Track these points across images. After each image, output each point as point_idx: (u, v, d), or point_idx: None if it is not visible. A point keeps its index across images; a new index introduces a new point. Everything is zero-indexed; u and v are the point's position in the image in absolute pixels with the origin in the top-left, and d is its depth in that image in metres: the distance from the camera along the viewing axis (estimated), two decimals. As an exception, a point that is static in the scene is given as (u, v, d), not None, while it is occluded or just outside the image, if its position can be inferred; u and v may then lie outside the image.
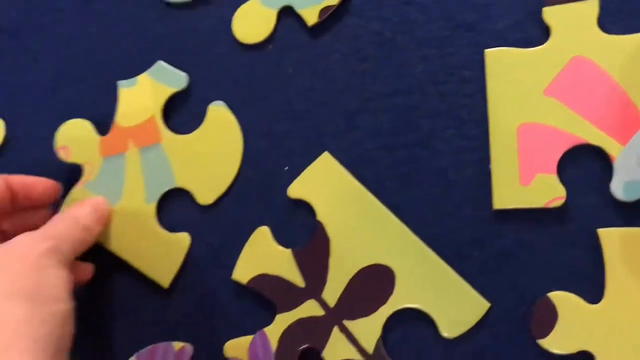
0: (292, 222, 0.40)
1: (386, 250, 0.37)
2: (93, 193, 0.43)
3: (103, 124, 0.45)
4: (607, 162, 0.35)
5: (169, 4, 0.46)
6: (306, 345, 0.38)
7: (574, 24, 0.37)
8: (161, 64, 0.44)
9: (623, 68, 0.35)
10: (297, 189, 0.40)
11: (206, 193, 0.42)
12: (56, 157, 0.46)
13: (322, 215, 0.39)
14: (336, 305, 0.38)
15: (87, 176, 0.44)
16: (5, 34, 0.51)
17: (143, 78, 0.44)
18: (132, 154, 0.44)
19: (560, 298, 0.34)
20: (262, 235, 0.40)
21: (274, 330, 0.38)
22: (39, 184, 0.42)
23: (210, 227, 0.42)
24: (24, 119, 0.48)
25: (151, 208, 0.43)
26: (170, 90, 0.44)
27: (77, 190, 0.44)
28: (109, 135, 0.44)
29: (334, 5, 0.41)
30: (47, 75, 0.48)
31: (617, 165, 0.35)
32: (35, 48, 0.49)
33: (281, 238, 0.40)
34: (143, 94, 0.44)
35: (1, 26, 0.51)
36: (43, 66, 0.49)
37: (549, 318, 0.34)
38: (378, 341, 0.36)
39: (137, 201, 0.43)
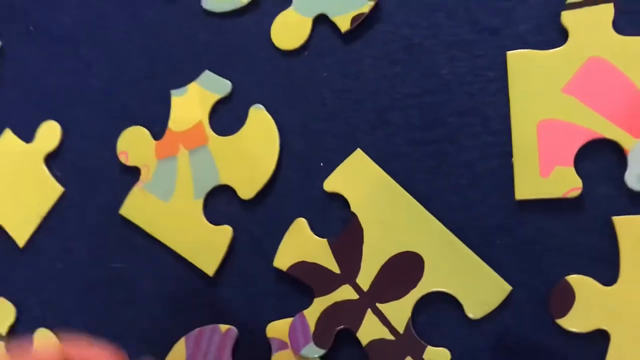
0: (327, 213, 0.43)
1: (415, 238, 0.40)
2: (150, 192, 0.48)
3: (152, 127, 0.50)
4: (621, 154, 0.37)
5: (212, 14, 0.49)
6: (342, 326, 0.41)
7: (590, 27, 0.39)
8: (208, 73, 0.48)
9: (636, 66, 0.38)
10: (332, 183, 0.43)
11: (247, 188, 0.46)
12: (108, 158, 0.50)
13: (355, 207, 0.42)
14: (369, 289, 0.41)
15: (144, 177, 0.48)
16: (62, 43, 0.55)
17: (192, 86, 0.48)
18: (183, 155, 0.47)
19: (578, 281, 0.37)
20: (300, 226, 0.43)
21: (312, 313, 0.42)
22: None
23: (252, 219, 0.45)
24: (79, 123, 0.53)
25: (199, 204, 0.46)
26: (216, 96, 0.48)
27: (135, 190, 0.48)
28: (162, 140, 0.49)
29: (365, 13, 0.44)
30: (100, 82, 0.53)
31: (631, 157, 0.37)
32: (89, 56, 0.54)
33: (318, 228, 0.43)
34: (192, 101, 0.48)
35: (58, 36, 0.55)
36: (96, 73, 0.53)
37: (567, 299, 0.36)
38: (408, 322, 0.39)
39: (187, 198, 0.47)
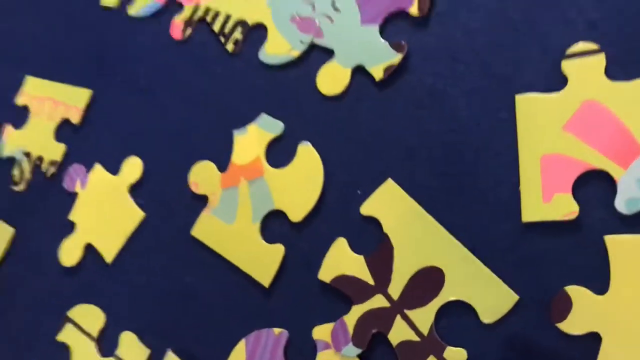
0: (364, 234, 0.51)
1: (438, 255, 0.47)
2: (216, 216, 0.56)
3: (218, 161, 0.58)
4: (612, 183, 0.43)
5: (268, 66, 0.58)
6: (375, 330, 0.48)
7: (585, 74, 0.46)
8: (264, 116, 0.57)
9: (625, 107, 0.44)
10: (367, 208, 0.51)
11: (297, 213, 0.53)
12: (182, 188, 0.59)
13: (387, 228, 0.49)
14: (399, 298, 0.48)
15: (211, 204, 0.57)
16: (143, 92, 0.64)
17: (251, 127, 0.57)
18: (243, 186, 0.56)
19: (575, 291, 0.42)
20: (341, 245, 0.51)
21: (351, 319, 0.49)
22: None
23: (301, 239, 0.53)
24: (158, 158, 0.62)
25: (256, 226, 0.55)
26: (271, 135, 0.56)
27: (204, 214, 0.57)
28: (226, 172, 0.57)
29: (395, 65, 0.52)
30: (175, 123, 0.62)
31: (620, 185, 0.43)
32: (166, 102, 0.63)
33: (355, 247, 0.50)
34: (251, 140, 0.57)
35: (140, 84, 0.65)
36: (172, 116, 0.62)
37: (565, 306, 0.42)
38: (431, 326, 0.46)
39: (246, 221, 0.55)
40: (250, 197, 0.56)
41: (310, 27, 0.57)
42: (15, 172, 0.67)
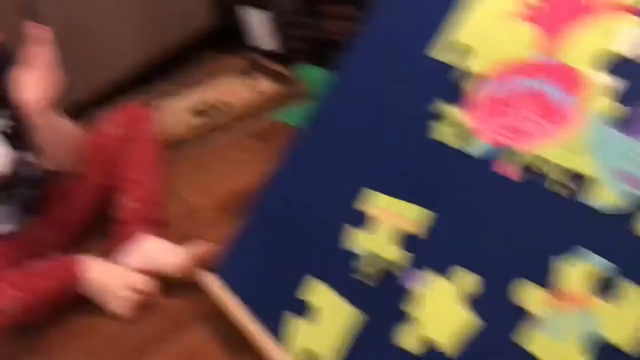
0: None
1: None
2: (543, 332, 0.69)
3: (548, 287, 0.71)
4: None
5: (595, 211, 0.70)
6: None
7: None
8: (592, 254, 0.68)
9: None
10: None
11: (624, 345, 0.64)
12: (508, 302, 0.73)
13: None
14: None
15: (538, 320, 0.69)
16: (476, 217, 0.80)
17: (580, 262, 0.69)
18: (570, 312, 0.68)
19: None
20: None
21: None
22: None
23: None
24: (489, 273, 0.76)
25: (584, 350, 0.66)
26: (598, 271, 0.67)
27: (530, 329, 0.70)
28: (555, 296, 0.69)
29: None
30: (507, 248, 0.75)
31: None
32: (501, 230, 0.77)
33: None
34: (579, 272, 0.68)
35: (472, 211, 0.80)
36: (505, 242, 0.76)
37: None
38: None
39: (574, 345, 0.67)
40: (577, 324, 0.67)
41: (636, 183, 0.67)
42: (367, 269, 0.86)
